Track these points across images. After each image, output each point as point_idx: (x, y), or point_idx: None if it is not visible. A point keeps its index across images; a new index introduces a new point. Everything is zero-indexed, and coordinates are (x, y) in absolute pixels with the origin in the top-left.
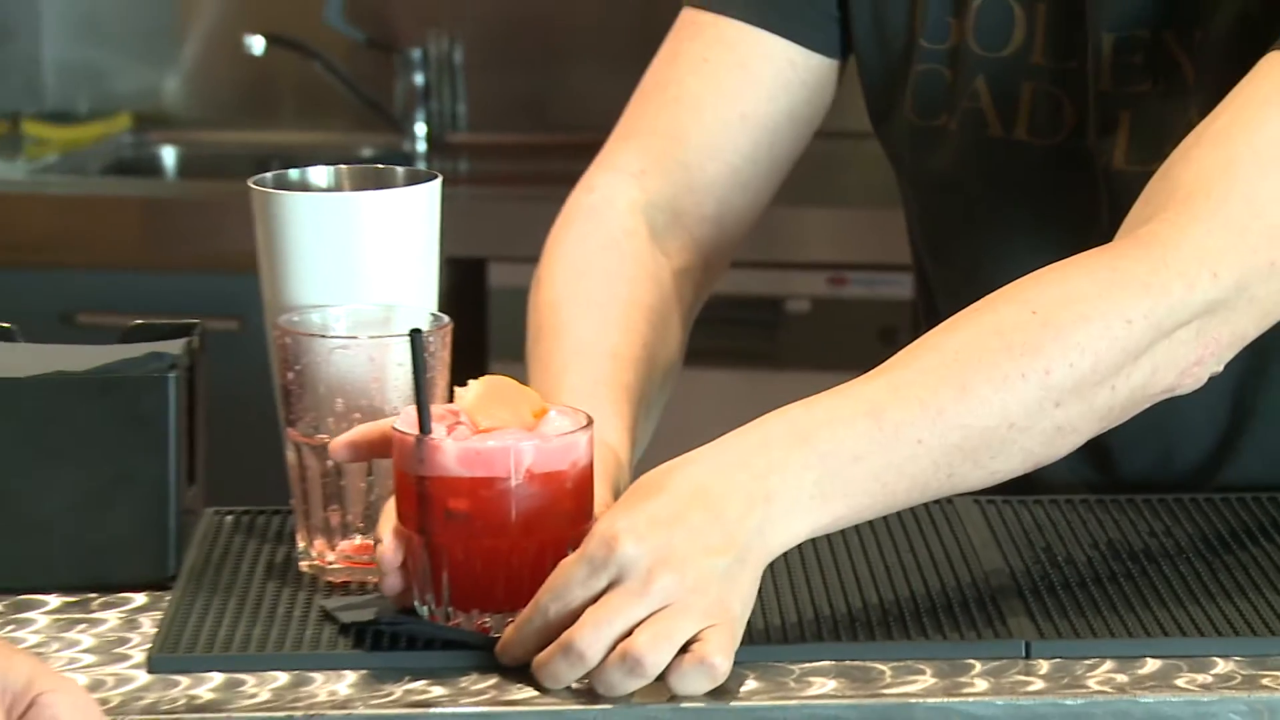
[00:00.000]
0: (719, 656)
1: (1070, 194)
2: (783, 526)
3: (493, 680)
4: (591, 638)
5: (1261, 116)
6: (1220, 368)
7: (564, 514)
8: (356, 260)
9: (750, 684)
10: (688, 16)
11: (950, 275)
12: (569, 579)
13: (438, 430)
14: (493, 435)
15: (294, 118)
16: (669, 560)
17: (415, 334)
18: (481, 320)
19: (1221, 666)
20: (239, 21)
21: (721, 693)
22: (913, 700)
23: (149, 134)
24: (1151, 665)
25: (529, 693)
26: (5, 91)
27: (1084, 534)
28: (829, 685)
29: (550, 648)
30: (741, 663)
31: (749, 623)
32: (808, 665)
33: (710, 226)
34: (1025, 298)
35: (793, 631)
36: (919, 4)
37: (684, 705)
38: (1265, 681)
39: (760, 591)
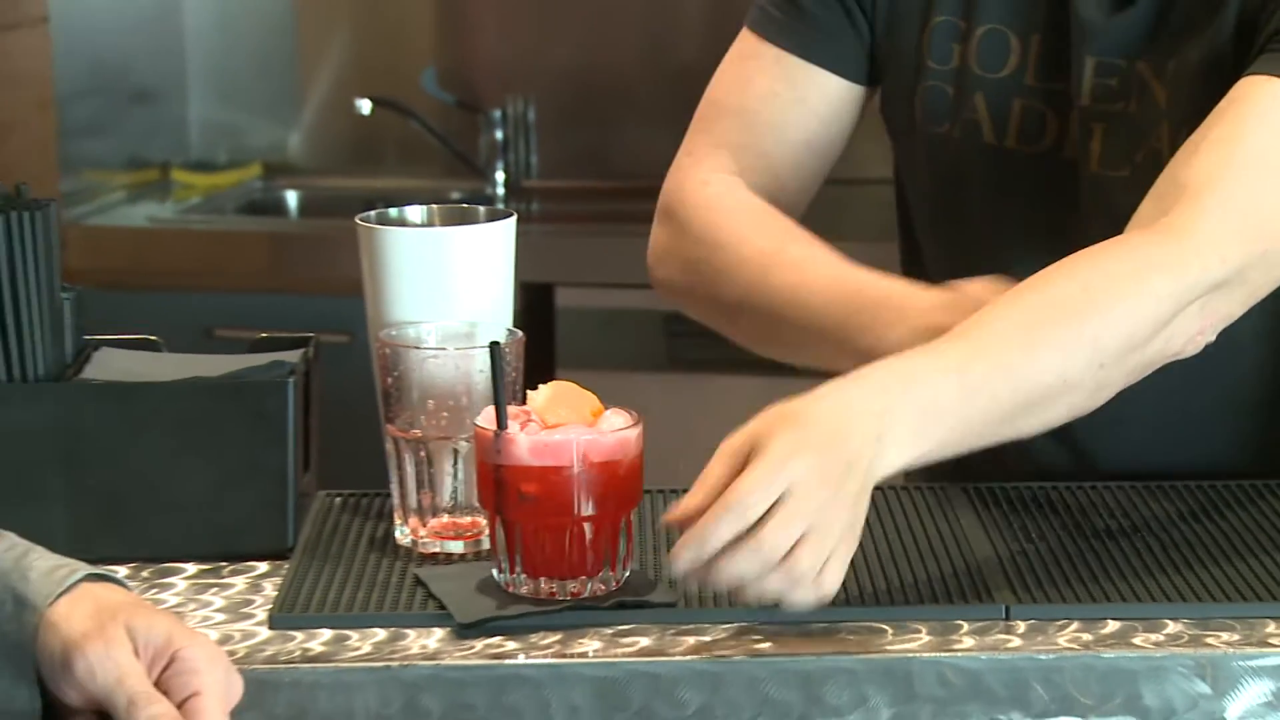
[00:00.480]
0: (831, 578)
1: (1052, 193)
2: (887, 460)
3: (557, 637)
4: (778, 538)
5: (1250, 128)
6: (1214, 337)
7: (616, 497)
8: (445, 284)
9: (777, 641)
10: (751, 45)
11: (950, 260)
12: (754, 486)
13: (512, 426)
14: (558, 430)
15: (395, 167)
16: (824, 481)
17: (494, 346)
18: (550, 335)
19: (1172, 627)
20: (351, 87)
21: (751, 647)
22: (910, 655)
23: (276, 180)
24: (1112, 626)
25: (586, 648)
26: (157, 145)
27: (1055, 516)
28: (842, 642)
29: (738, 547)
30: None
31: None
32: (825, 625)
33: (791, 215)
34: (1074, 275)
35: None
36: (926, 32)
37: (720, 658)
38: (1208, 640)
39: None
